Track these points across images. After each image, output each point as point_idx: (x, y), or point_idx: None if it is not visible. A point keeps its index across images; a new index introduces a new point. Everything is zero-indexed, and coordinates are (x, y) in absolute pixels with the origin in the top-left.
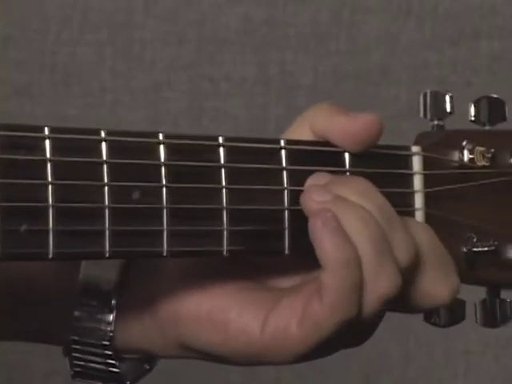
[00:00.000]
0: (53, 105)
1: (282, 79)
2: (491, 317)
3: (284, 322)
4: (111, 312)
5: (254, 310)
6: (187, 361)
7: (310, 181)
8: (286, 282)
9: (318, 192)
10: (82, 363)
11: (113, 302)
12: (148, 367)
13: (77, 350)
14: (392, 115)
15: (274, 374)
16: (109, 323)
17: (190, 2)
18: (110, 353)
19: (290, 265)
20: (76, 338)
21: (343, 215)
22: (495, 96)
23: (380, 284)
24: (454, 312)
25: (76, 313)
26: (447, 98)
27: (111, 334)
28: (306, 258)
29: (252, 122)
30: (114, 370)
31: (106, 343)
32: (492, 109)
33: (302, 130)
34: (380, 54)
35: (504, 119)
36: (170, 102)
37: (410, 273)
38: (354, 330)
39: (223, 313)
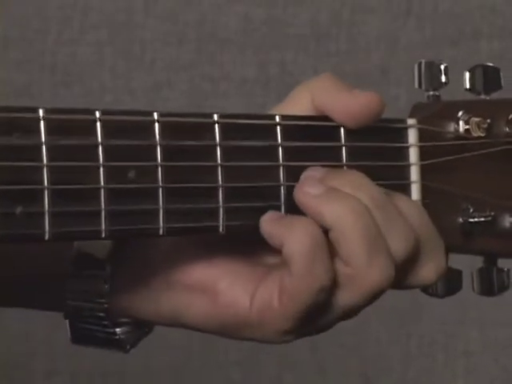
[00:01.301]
0: (53, 105)
1: (281, 79)
2: (488, 285)
3: (268, 296)
4: (106, 283)
5: (244, 282)
6: (188, 359)
7: (305, 175)
8: (277, 258)
9: (312, 185)
10: (80, 329)
11: (107, 269)
12: (146, 330)
13: (74, 319)
14: (392, 115)
15: (274, 373)
16: (104, 295)
17: (190, 2)
18: (106, 323)
19: None
20: (71, 309)
21: (335, 206)
22: (490, 64)
23: (372, 275)
24: (450, 282)
25: (70, 284)
26: (442, 68)
27: (106, 306)
28: None
29: None
30: (113, 337)
31: (102, 314)
32: (487, 77)
33: (302, 100)
34: (380, 54)
35: (499, 87)
36: (170, 102)
37: (407, 262)
38: (339, 308)
39: (214, 282)
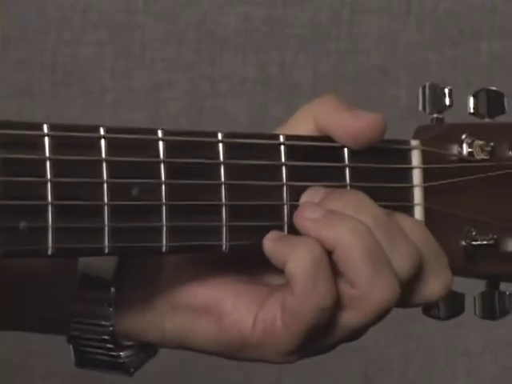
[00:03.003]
0: (53, 105)
1: (282, 79)
2: (490, 309)
3: (271, 317)
4: (110, 305)
5: (248, 303)
6: (187, 360)
7: (305, 197)
8: (280, 278)
9: (311, 209)
10: (84, 354)
11: (112, 290)
12: (151, 352)
13: (79, 342)
14: (392, 115)
15: (274, 374)
16: (108, 318)
17: (190, 2)
18: (111, 346)
19: None
20: (76, 333)
21: (335, 228)
22: (494, 88)
23: (377, 295)
24: (453, 305)
25: (74, 307)
26: (446, 91)
27: (111, 329)
28: None
29: (252, 122)
30: (117, 360)
31: (107, 337)
32: (491, 101)
33: (305, 121)
34: (380, 54)
35: (503, 112)
36: (170, 102)
37: (412, 280)
38: (344, 328)
39: (219, 304)
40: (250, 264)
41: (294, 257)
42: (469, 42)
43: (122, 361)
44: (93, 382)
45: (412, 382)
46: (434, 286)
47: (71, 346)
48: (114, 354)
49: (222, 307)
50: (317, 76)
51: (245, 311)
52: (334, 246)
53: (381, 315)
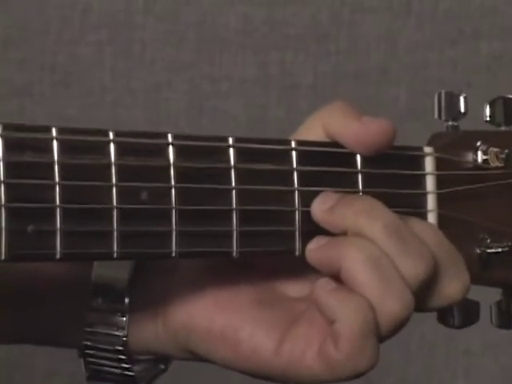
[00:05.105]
0: (53, 105)
1: (282, 79)
2: (506, 318)
3: (299, 352)
4: (124, 315)
5: (267, 330)
6: (187, 361)
7: (316, 204)
8: (295, 287)
9: (316, 240)
10: (96, 366)
11: (126, 301)
12: (163, 367)
13: (90, 355)
14: (392, 115)
15: None
16: (122, 328)
17: (190, 2)
18: (123, 357)
19: (298, 268)
20: (89, 343)
21: (342, 253)
22: (511, 96)
23: (389, 307)
24: (468, 313)
25: (88, 317)
26: (461, 99)
27: (124, 339)
28: None
29: (252, 122)
30: (129, 373)
31: (120, 348)
32: (508, 109)
33: (315, 129)
34: (380, 54)
35: None
36: (170, 102)
37: (429, 283)
38: None
39: (236, 332)
40: (262, 272)
41: (344, 321)
42: (469, 41)
43: (133, 374)
44: None
45: (412, 382)
46: (452, 288)
47: (82, 360)
48: (126, 366)
49: (239, 335)
50: (317, 76)
51: (264, 338)
52: (339, 267)
53: (397, 327)
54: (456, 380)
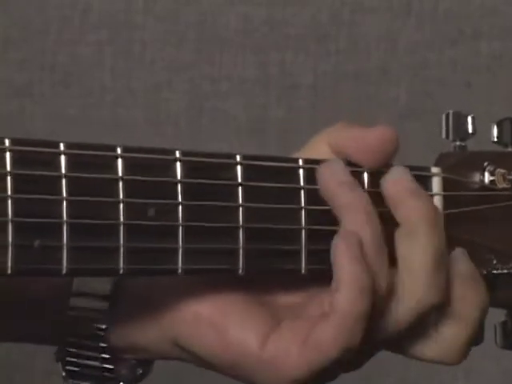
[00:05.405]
0: (53, 105)
1: (282, 79)
2: (511, 339)
3: (285, 345)
4: (106, 313)
5: (255, 323)
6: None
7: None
8: (287, 298)
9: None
10: (75, 366)
11: (108, 288)
12: (141, 371)
13: (71, 353)
14: (392, 115)
15: None
16: (106, 321)
17: (190, 2)
18: (106, 356)
19: (293, 281)
20: (73, 339)
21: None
22: None
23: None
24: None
25: (70, 313)
26: (469, 120)
27: (105, 333)
28: (321, 278)
29: (252, 122)
30: (110, 374)
31: (103, 345)
32: None
33: (321, 147)
34: (380, 54)
35: None
36: (170, 102)
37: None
38: (358, 358)
39: (224, 317)
40: (256, 282)
41: (345, 295)
42: (469, 41)
43: (114, 375)
44: None
45: (412, 381)
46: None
47: (59, 363)
48: (107, 366)
49: (227, 321)
50: (317, 76)
51: (251, 331)
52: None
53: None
54: (456, 382)
